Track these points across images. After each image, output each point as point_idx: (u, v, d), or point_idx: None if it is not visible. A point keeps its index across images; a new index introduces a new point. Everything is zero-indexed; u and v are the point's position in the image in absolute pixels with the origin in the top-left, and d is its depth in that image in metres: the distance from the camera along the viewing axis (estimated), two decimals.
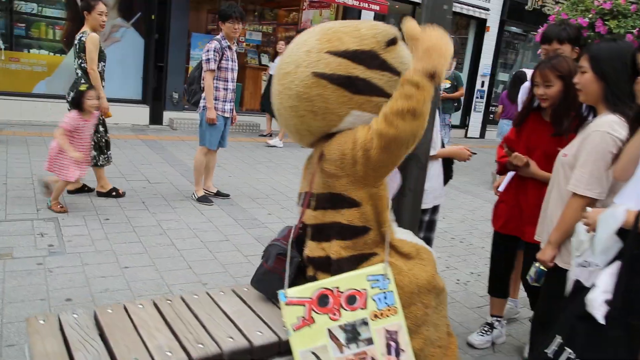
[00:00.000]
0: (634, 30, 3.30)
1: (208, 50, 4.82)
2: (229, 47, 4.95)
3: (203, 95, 4.97)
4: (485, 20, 12.74)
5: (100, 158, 4.83)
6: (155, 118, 9.14)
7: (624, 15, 3.39)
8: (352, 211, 1.99)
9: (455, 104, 8.41)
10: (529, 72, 3.03)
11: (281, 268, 2.12)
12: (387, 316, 1.98)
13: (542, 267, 2.57)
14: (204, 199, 5.14)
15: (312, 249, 2.12)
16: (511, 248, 2.97)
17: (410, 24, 1.93)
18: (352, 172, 1.95)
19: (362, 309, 1.95)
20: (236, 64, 5.09)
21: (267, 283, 2.18)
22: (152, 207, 4.81)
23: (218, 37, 4.93)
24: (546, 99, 2.54)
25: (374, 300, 1.96)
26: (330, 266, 2.07)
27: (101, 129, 4.83)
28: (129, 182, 5.46)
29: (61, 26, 8.51)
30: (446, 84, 8.02)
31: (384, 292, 1.98)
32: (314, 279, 2.15)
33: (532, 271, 2.60)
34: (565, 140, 2.46)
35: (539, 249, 2.48)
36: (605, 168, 2.08)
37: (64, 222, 4.17)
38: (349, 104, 1.96)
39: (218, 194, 5.38)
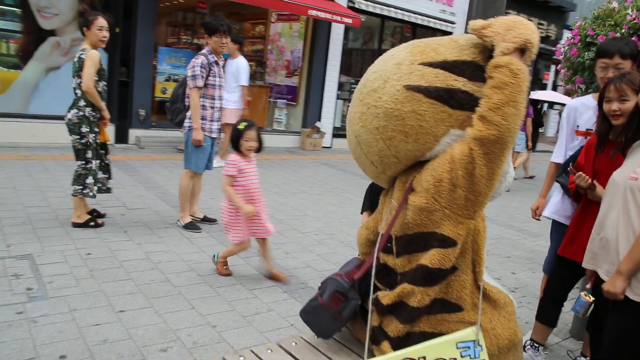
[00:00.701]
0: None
1: (194, 66, 4.47)
2: (216, 63, 4.62)
3: (188, 114, 4.61)
4: (450, 33, 12.86)
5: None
6: (121, 136, 8.62)
7: None
8: (445, 251, 1.73)
9: None
10: None
11: (336, 307, 1.89)
12: None
13: (586, 298, 2.40)
14: (191, 226, 4.75)
15: (386, 293, 1.86)
16: (570, 274, 2.80)
17: (476, 21, 1.74)
18: (449, 201, 1.69)
19: None
20: (223, 81, 4.76)
21: (317, 318, 1.95)
22: (136, 237, 4.39)
23: (204, 51, 4.59)
24: (620, 115, 2.37)
25: None
26: (404, 314, 1.81)
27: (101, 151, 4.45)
28: (105, 209, 5.00)
29: (16, 40, 7.90)
30: None
31: None
32: (380, 330, 1.88)
33: (580, 303, 2.42)
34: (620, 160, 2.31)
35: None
36: None
37: (40, 260, 3.71)
38: (448, 122, 1.71)
39: (205, 220, 5.01)
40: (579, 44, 3.16)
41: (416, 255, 1.80)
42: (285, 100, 10.98)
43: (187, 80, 4.55)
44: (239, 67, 7.57)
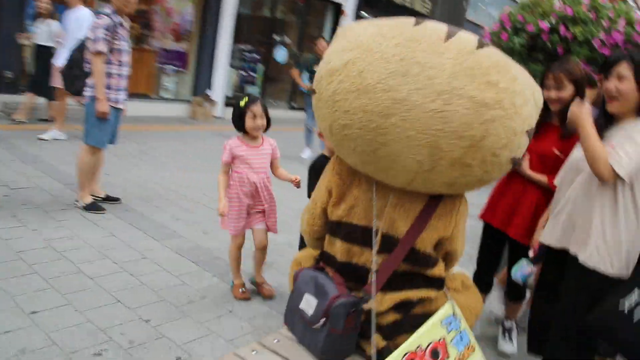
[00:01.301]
0: (600, 35, 3.52)
1: (97, 28, 3.92)
2: (122, 24, 4.11)
3: (89, 82, 4.07)
4: (340, 5, 12.93)
5: None
6: None
7: (584, 22, 3.59)
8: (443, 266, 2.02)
9: None
10: None
11: (353, 325, 1.79)
12: (468, 356, 1.77)
13: (528, 267, 2.58)
14: (94, 207, 4.27)
15: (385, 300, 1.81)
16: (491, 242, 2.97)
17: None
18: None
19: (446, 359, 1.70)
20: (129, 45, 4.27)
21: (341, 346, 1.81)
22: (30, 222, 3.84)
23: (107, 11, 4.06)
24: (557, 102, 2.52)
25: (453, 345, 1.73)
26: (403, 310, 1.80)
27: None
28: None
29: None
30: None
31: (459, 333, 1.77)
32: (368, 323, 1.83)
33: (521, 269, 2.58)
34: (570, 143, 2.45)
35: (524, 248, 2.58)
36: None
37: None
38: None
39: (107, 199, 4.53)
40: (510, 29, 3.32)
41: (423, 268, 1.89)
42: (173, 67, 10.29)
43: (87, 44, 4.00)
44: (80, 18, 6.00)
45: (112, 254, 3.55)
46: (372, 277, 1.80)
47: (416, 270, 1.86)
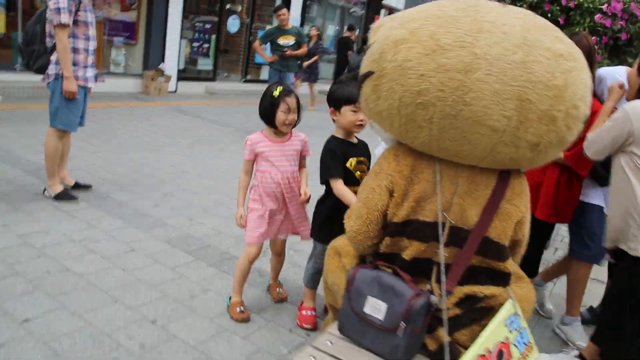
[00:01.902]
0: (602, 7, 3.50)
1: None
2: None
3: (53, 58, 3.68)
4: None
5: None
6: None
7: None
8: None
9: (299, 62, 8.11)
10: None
11: (428, 324, 1.69)
12: (527, 356, 1.71)
13: None
14: (65, 195, 3.93)
15: (453, 294, 1.73)
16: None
17: None
18: None
19: None
20: (94, 17, 3.87)
21: (417, 345, 1.71)
22: None
23: None
24: None
25: (515, 346, 1.67)
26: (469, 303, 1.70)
27: None
28: None
29: None
30: (289, 40, 7.65)
31: (520, 332, 1.70)
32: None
33: None
34: None
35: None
36: None
37: None
38: None
39: (77, 186, 4.18)
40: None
41: (494, 261, 1.79)
42: (122, 38, 9.66)
43: (49, 15, 3.59)
44: None
45: (97, 247, 3.27)
46: (442, 273, 1.71)
47: (487, 264, 1.77)
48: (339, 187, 2.43)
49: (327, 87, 14.17)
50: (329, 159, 2.53)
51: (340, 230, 2.53)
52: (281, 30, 7.68)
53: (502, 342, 1.63)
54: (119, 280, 2.92)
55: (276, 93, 2.54)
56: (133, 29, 9.77)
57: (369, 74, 1.74)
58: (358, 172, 2.56)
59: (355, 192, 2.57)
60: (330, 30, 15.58)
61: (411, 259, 1.78)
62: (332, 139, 2.60)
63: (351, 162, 2.53)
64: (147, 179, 4.80)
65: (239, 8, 12.07)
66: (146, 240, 3.49)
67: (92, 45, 3.83)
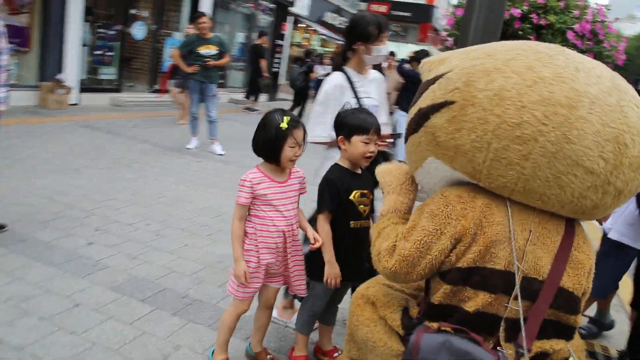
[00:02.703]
0: (574, 26, 3.50)
1: None
2: None
3: None
4: None
5: None
6: None
7: (555, 11, 3.55)
8: None
9: (221, 72, 7.65)
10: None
11: None
12: None
13: None
14: None
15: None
16: None
17: None
18: None
19: None
20: (4, 26, 3.24)
21: None
22: None
23: None
24: None
25: None
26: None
27: None
28: None
29: None
30: (211, 50, 7.19)
31: None
32: None
33: None
34: None
35: None
36: None
37: None
38: None
39: None
40: None
41: (567, 315, 1.63)
42: (12, 45, 8.54)
43: None
44: None
45: (32, 306, 2.69)
46: (522, 329, 1.50)
47: (557, 317, 1.59)
48: (322, 222, 2.26)
49: (238, 96, 13.84)
50: (327, 191, 2.29)
51: (345, 268, 2.29)
52: (202, 39, 7.19)
53: None
54: (70, 349, 2.39)
55: (284, 125, 2.13)
56: (25, 35, 8.70)
57: (445, 104, 1.51)
58: (362, 206, 2.33)
59: (359, 227, 2.33)
60: (239, 37, 15.15)
61: (475, 312, 1.56)
62: (336, 168, 2.35)
63: (355, 195, 2.30)
64: (70, 211, 4.16)
65: (145, 14, 11.28)
66: (89, 290, 2.95)
67: (5, 60, 3.21)
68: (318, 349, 2.66)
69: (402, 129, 8.28)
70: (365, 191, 2.33)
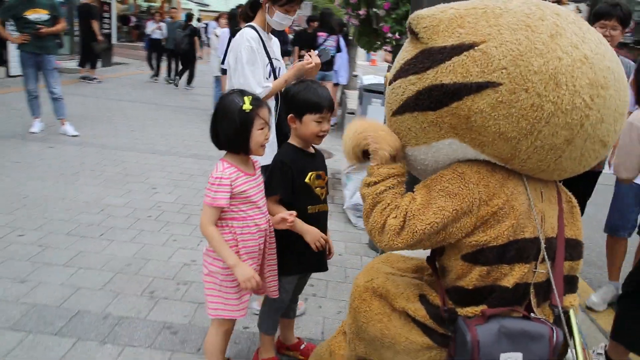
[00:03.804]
0: None
1: None
2: None
3: None
4: None
5: None
6: None
7: None
8: None
9: (58, 41, 6.54)
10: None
11: None
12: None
13: None
14: None
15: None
16: None
17: None
18: None
19: None
20: None
21: None
22: None
23: None
24: None
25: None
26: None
27: None
28: None
29: None
30: (42, 14, 6.10)
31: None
32: None
33: None
34: None
35: None
36: None
37: None
38: None
39: None
40: None
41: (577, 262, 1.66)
42: None
43: None
44: None
45: None
46: (554, 289, 1.50)
47: (570, 270, 1.60)
48: (272, 204, 2.05)
49: (69, 65, 12.14)
50: (280, 174, 2.04)
51: (307, 258, 2.11)
52: (27, 2, 6.02)
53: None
54: None
55: (247, 107, 1.81)
56: None
57: (488, 85, 1.32)
58: (318, 189, 2.13)
59: (318, 212, 2.14)
60: None
61: (513, 287, 1.49)
62: (290, 148, 2.10)
63: (310, 177, 2.10)
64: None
65: None
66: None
67: None
68: (281, 345, 2.46)
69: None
70: (321, 172, 2.14)
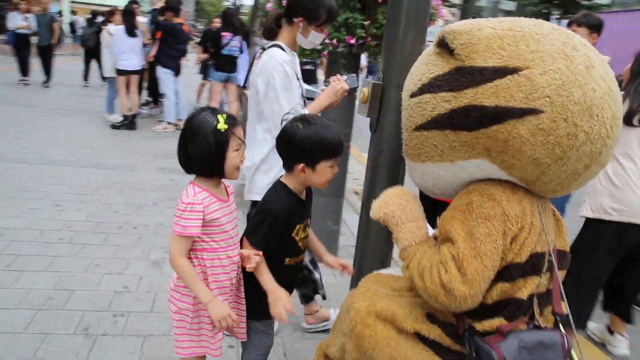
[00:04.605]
0: None
1: None
2: None
3: None
4: None
5: None
6: None
7: None
8: None
9: None
10: None
11: None
12: None
13: None
14: None
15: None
16: None
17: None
18: None
19: None
20: None
21: None
22: None
23: None
24: None
25: None
26: None
27: None
28: None
29: None
30: None
31: None
32: None
33: None
34: None
35: None
36: None
37: None
38: None
39: None
40: None
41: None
42: None
43: None
44: None
45: None
46: (563, 296, 1.58)
47: (561, 275, 1.67)
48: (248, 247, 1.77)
49: None
50: (266, 227, 1.74)
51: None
52: None
53: None
54: None
55: (223, 126, 1.61)
56: None
57: (532, 112, 1.30)
58: (302, 241, 1.89)
59: (294, 264, 1.89)
60: None
61: (528, 298, 1.52)
62: (285, 194, 1.80)
63: (297, 230, 1.84)
64: None
65: None
66: None
67: None
68: None
69: (166, 87, 7.59)
70: (307, 220, 1.91)
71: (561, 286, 1.66)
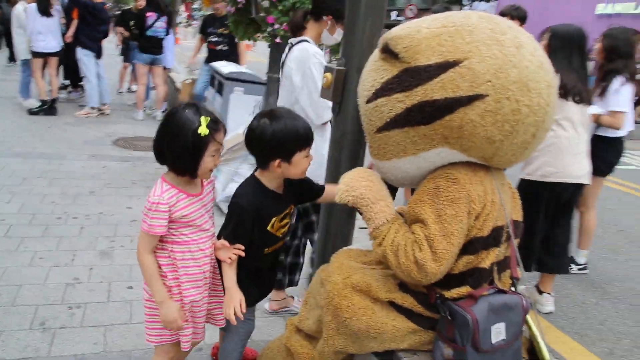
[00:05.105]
0: None
1: None
2: None
3: None
4: None
5: None
6: None
7: None
8: None
9: None
10: None
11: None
12: None
13: None
14: None
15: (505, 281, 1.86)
16: None
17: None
18: None
19: None
20: None
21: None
22: None
23: None
24: None
25: None
26: None
27: None
28: None
29: None
30: None
31: None
32: None
33: None
34: None
35: None
36: None
37: None
38: None
39: None
40: None
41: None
42: None
43: None
44: None
45: None
46: (520, 263, 1.79)
47: (515, 243, 1.85)
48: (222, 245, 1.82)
49: None
50: (237, 224, 1.81)
51: (260, 288, 2.07)
52: None
53: None
54: None
55: (203, 130, 1.60)
56: None
57: (477, 98, 1.45)
58: (281, 230, 1.97)
59: (272, 251, 2.00)
60: None
61: (490, 266, 1.70)
62: (256, 190, 1.86)
63: (273, 223, 1.91)
64: None
65: None
66: None
67: None
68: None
69: (87, 69, 7.20)
70: (287, 211, 1.97)
71: (517, 253, 1.86)
